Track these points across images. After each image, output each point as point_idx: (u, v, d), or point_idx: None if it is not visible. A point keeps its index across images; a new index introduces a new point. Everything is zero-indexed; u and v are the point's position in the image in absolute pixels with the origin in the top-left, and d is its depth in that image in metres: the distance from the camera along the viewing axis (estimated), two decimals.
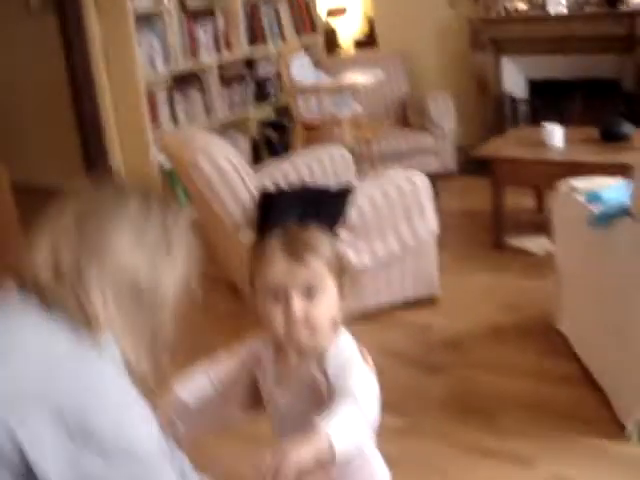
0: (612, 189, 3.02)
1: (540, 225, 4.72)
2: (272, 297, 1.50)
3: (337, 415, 1.35)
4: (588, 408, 2.92)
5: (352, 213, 3.57)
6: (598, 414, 2.87)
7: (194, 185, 3.60)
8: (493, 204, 4.53)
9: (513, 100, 6.09)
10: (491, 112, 6.08)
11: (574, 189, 3.22)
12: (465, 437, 2.86)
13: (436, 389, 3.24)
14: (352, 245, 3.58)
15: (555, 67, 5.92)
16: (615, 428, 2.76)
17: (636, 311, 2.68)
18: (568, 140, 4.41)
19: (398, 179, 3.72)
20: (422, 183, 3.72)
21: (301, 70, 5.03)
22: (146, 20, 5.18)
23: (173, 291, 1.21)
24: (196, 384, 1.67)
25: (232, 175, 3.46)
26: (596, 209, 2.90)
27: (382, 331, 3.66)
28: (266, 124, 6.29)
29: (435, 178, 5.62)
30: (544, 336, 3.48)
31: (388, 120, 6.03)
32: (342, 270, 1.54)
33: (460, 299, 3.95)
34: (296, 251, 1.48)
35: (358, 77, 5.06)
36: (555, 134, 4.39)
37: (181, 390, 1.66)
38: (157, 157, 5.29)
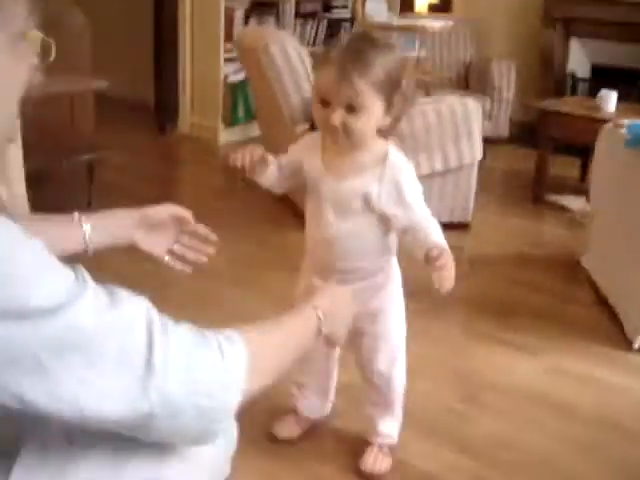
0: None
1: (581, 191, 4.86)
2: (320, 102, 1.69)
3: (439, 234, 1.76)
4: (599, 324, 3.07)
5: (403, 124, 3.75)
6: (607, 330, 3.02)
7: (262, 74, 3.80)
8: (538, 158, 4.67)
9: (575, 80, 6.21)
10: (552, 88, 6.19)
11: (618, 125, 3.37)
12: (480, 326, 3.02)
13: (461, 291, 3.39)
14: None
15: (620, 54, 6.02)
16: (621, 342, 2.90)
17: None
18: (620, 108, 4.53)
19: (452, 102, 3.88)
20: (475, 109, 3.88)
21: (376, 8, 5.22)
22: None
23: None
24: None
25: (298, 65, 3.66)
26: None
27: None
28: None
29: (485, 140, 5.78)
30: (567, 268, 3.63)
31: (450, 81, 6.19)
32: (393, 88, 1.69)
33: (493, 231, 4.12)
34: (347, 70, 1.63)
35: (428, 21, 5.23)
36: (609, 99, 4.51)
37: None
38: (225, 70, 5.52)
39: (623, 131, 3.24)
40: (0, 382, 0.87)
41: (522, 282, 3.47)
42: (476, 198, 4.11)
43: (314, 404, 2.18)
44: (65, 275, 0.91)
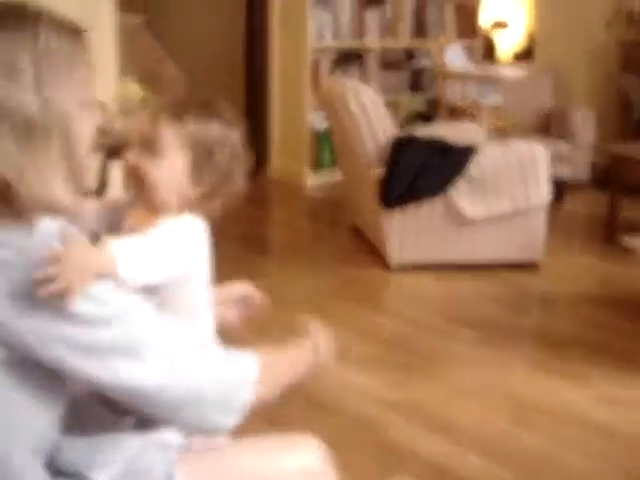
0: None
1: None
2: None
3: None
4: None
5: (474, 168, 3.99)
6: None
7: (340, 123, 4.12)
8: (610, 201, 4.81)
9: None
10: (632, 133, 6.31)
11: None
12: (537, 356, 3.22)
13: (519, 324, 3.60)
14: (469, 196, 4.00)
15: None
16: None
17: None
18: None
19: (521, 147, 4.10)
20: (542, 155, 4.08)
21: (454, 57, 5.50)
22: None
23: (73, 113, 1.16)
24: None
25: (373, 114, 3.97)
26: None
27: (484, 280, 4.04)
28: (414, 115, 6.75)
29: (565, 184, 5.94)
30: (630, 306, 3.76)
31: (531, 126, 6.39)
32: (204, 156, 1.56)
33: (563, 270, 4.27)
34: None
35: (504, 70, 5.47)
36: None
37: None
38: (311, 119, 5.89)
39: None
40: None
41: (585, 318, 3.62)
42: (549, 238, 4.29)
43: None
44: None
